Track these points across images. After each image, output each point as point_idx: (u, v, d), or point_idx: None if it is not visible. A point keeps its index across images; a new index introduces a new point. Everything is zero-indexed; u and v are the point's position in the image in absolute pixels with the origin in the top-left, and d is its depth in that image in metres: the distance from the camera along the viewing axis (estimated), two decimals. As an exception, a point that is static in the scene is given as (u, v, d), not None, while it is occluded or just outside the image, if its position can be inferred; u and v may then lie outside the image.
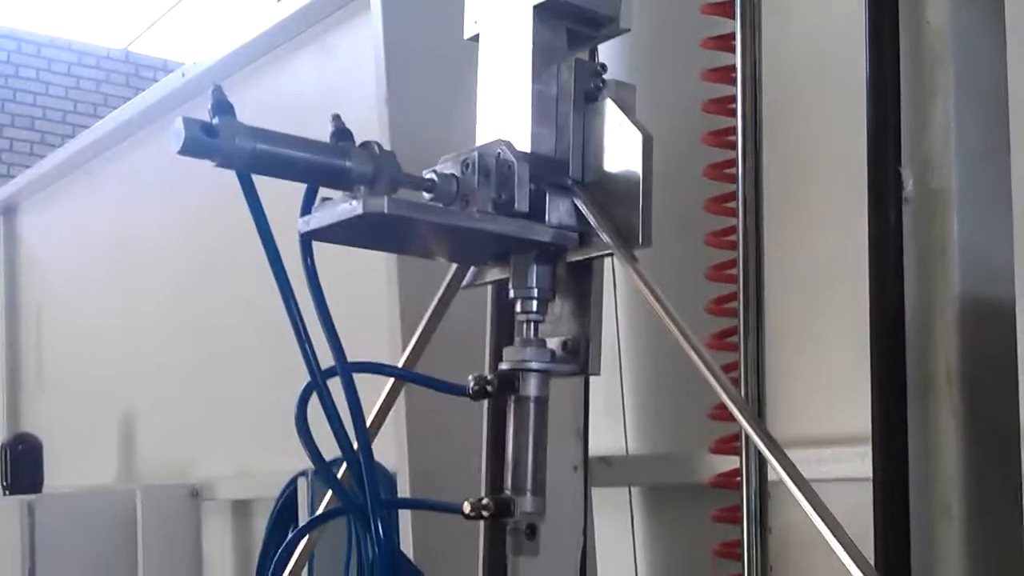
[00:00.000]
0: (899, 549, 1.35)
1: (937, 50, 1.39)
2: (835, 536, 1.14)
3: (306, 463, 3.14)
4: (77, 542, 4.26)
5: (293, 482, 3.42)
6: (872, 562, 1.30)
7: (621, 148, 1.37)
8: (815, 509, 1.16)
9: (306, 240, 1.30)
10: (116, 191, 5.20)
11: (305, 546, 1.55)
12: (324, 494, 2.26)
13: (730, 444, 1.97)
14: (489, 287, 1.74)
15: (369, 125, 2.71)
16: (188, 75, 4.42)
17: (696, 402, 2.23)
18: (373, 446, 1.38)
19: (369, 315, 2.71)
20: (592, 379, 1.90)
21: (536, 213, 1.36)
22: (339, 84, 3.55)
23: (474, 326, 1.86)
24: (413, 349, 1.52)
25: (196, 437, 4.47)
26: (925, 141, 1.38)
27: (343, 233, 1.31)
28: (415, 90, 2.79)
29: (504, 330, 1.64)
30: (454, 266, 1.52)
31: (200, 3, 10.15)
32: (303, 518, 3.28)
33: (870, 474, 1.83)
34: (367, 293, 2.77)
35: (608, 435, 2.62)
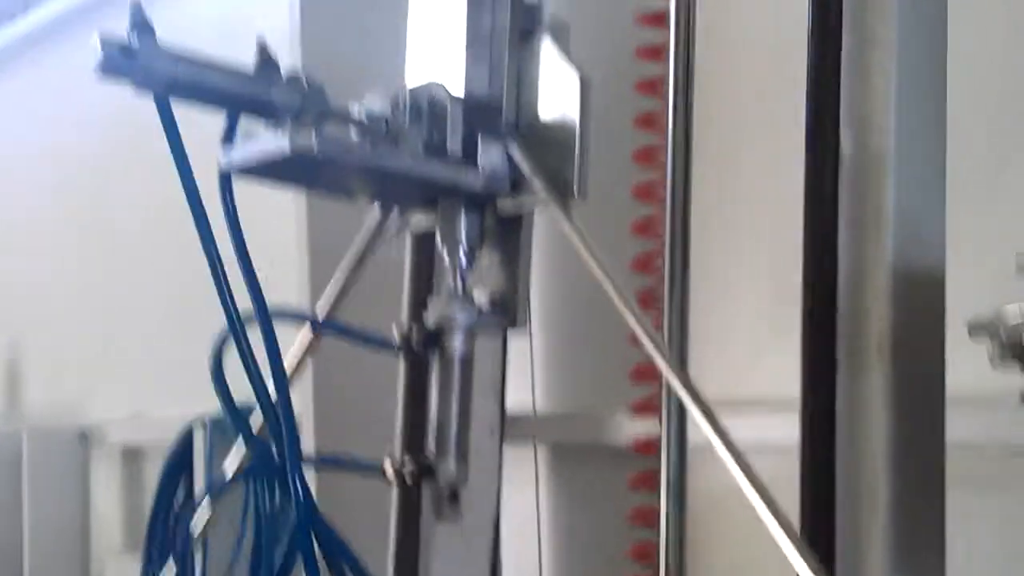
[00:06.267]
0: (824, 529, 1.32)
1: (879, 5, 1.36)
2: (762, 499, 1.12)
3: (204, 408, 3.07)
4: (-42, 485, 4.12)
5: (188, 430, 3.31)
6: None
7: (558, 91, 1.32)
8: (741, 469, 1.14)
9: (226, 177, 1.23)
10: (2, 114, 4.98)
11: (211, 514, 1.48)
12: (221, 443, 2.14)
13: (648, 406, 1.95)
14: (408, 233, 1.69)
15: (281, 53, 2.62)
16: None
17: (608, 361, 2.22)
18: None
19: (270, 251, 2.62)
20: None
21: (468, 158, 1.31)
22: (246, 11, 3.43)
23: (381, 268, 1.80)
24: (336, 297, 1.46)
25: (86, 375, 4.32)
26: (865, 100, 1.35)
27: (263, 169, 1.24)
28: (329, 21, 2.70)
29: (424, 281, 1.58)
30: (376, 209, 1.46)
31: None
32: (199, 469, 3.18)
33: (784, 439, 1.84)
34: (269, 227, 2.69)
35: (515, 392, 2.58)
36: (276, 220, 2.64)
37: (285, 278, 2.54)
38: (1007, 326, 1.31)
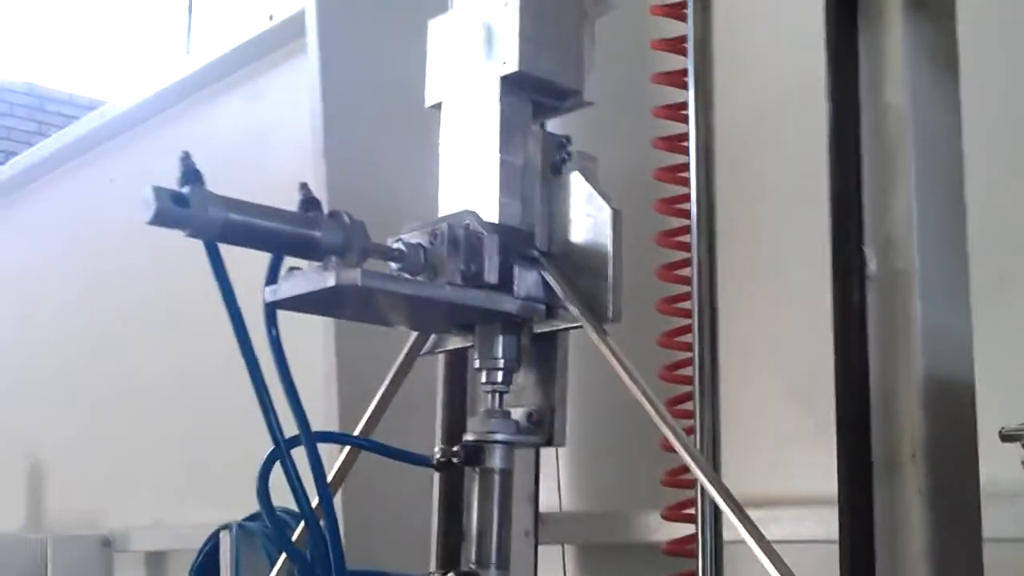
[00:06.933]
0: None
1: (897, 131, 1.41)
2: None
3: (227, 515, 3.09)
4: (-18, 593, 4.10)
5: (215, 536, 3.32)
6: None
7: (589, 221, 1.37)
8: (778, 570, 1.16)
9: (271, 309, 1.27)
10: (27, 230, 5.06)
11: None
12: (248, 550, 2.11)
13: (678, 511, 1.96)
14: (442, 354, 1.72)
15: (303, 174, 2.65)
16: (107, 116, 4.33)
17: (639, 463, 2.24)
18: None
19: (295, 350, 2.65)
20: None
21: (504, 284, 1.35)
22: (270, 130, 3.49)
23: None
24: (371, 416, 1.49)
25: (109, 484, 4.33)
26: (888, 221, 1.39)
27: (307, 302, 1.28)
28: (353, 140, 2.75)
29: (457, 397, 1.62)
30: (414, 333, 1.50)
31: (104, 38, 10.00)
32: (225, 572, 3.19)
33: (815, 536, 1.85)
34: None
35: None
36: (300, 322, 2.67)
37: (311, 380, 2.57)
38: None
